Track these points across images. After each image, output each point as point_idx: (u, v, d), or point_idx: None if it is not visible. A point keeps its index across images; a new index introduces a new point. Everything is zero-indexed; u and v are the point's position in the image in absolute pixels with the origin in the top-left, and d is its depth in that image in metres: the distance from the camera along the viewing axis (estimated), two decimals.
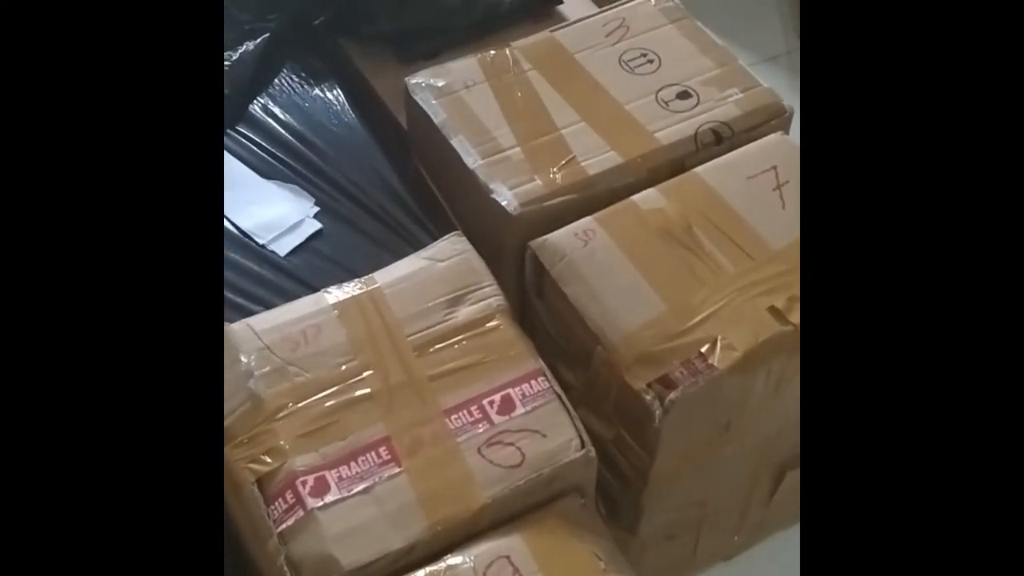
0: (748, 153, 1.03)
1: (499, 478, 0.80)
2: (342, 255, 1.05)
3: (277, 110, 1.20)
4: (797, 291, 0.90)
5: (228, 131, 1.17)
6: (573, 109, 1.08)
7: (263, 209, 1.09)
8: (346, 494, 0.79)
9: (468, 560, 0.77)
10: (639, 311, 0.91)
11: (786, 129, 1.09)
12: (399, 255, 0.99)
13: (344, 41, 1.29)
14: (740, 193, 0.99)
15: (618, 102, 1.08)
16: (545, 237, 0.97)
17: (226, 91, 1.19)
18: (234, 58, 1.21)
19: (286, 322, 0.90)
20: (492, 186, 1.01)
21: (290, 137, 1.17)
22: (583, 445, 0.83)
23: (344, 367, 0.87)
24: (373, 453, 0.81)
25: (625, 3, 1.19)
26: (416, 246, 1.03)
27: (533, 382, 0.86)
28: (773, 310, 0.90)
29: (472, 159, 1.03)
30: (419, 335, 0.89)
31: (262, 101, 1.21)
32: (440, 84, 1.10)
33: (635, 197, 1.00)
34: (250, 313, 0.96)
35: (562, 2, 1.33)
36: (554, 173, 1.02)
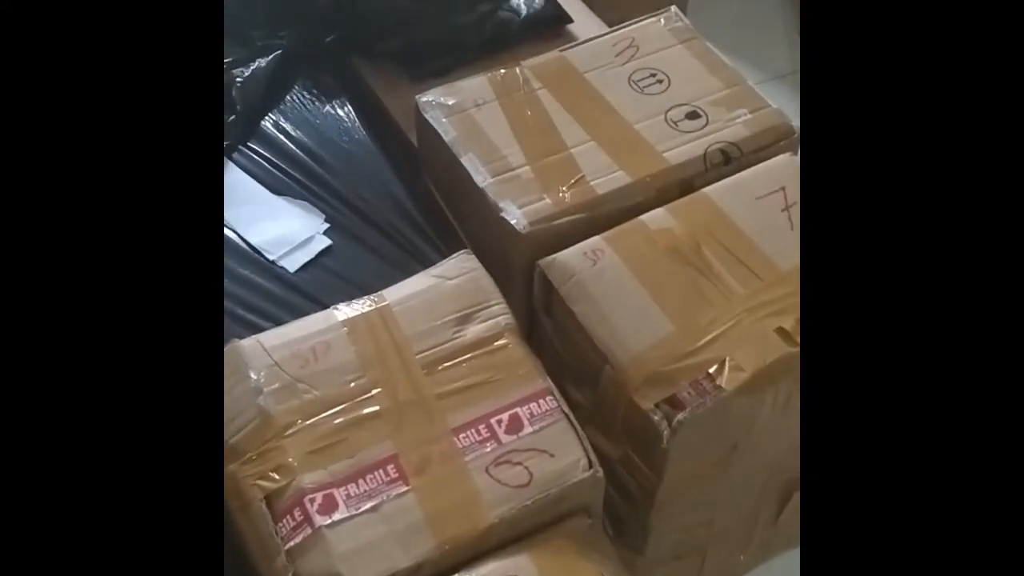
0: (757, 174, 1.03)
1: (507, 498, 0.80)
2: (351, 272, 1.06)
3: (288, 127, 1.21)
4: None
5: (240, 147, 1.18)
6: (582, 128, 1.08)
7: (273, 225, 1.10)
8: (354, 512, 0.79)
9: None
10: (647, 331, 0.91)
11: (794, 150, 1.09)
12: (408, 272, 1.00)
13: (356, 58, 1.30)
14: (749, 213, 0.99)
15: (627, 122, 1.09)
16: (554, 256, 0.97)
17: (238, 107, 1.20)
18: (246, 75, 1.22)
19: (296, 339, 0.90)
20: (501, 204, 1.01)
21: (301, 153, 1.18)
22: (591, 465, 0.83)
23: (353, 384, 0.87)
24: (381, 471, 0.81)
25: (635, 23, 1.19)
26: (425, 263, 1.03)
27: (541, 401, 0.86)
28: (781, 331, 0.90)
29: (482, 177, 1.04)
30: (428, 353, 0.89)
31: (274, 117, 1.22)
32: (451, 102, 1.10)
33: (644, 217, 1.00)
34: (260, 329, 0.97)
35: (572, 21, 1.34)
36: (563, 192, 1.02)
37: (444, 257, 1.00)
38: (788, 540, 1.15)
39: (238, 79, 1.21)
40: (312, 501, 0.79)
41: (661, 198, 1.02)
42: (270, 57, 1.24)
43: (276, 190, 1.15)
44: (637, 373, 0.89)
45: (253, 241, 1.08)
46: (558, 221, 1.00)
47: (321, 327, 0.91)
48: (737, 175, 1.04)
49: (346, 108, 1.24)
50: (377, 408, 0.85)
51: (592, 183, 1.03)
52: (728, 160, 1.06)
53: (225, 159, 1.17)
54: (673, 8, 1.21)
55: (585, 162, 1.05)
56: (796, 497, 1.07)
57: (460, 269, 0.96)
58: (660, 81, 1.13)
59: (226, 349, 0.89)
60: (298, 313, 0.98)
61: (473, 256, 0.98)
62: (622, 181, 1.03)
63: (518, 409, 0.85)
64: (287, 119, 1.22)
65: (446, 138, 1.08)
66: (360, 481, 0.81)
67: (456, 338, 0.90)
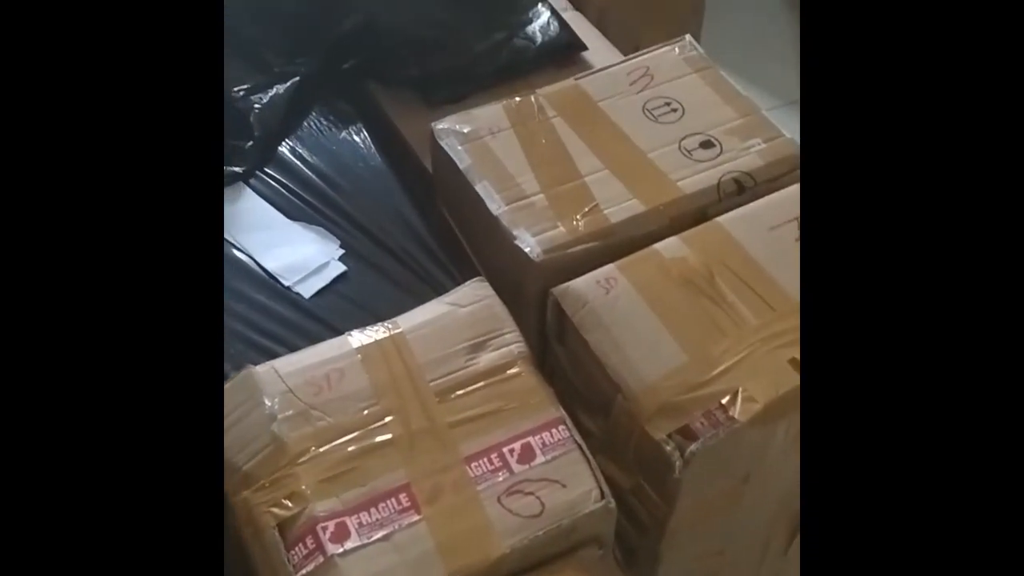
0: (770, 203, 1.04)
1: (518, 528, 0.80)
2: (366, 298, 1.07)
3: (305, 152, 1.22)
4: None
5: (257, 172, 1.20)
6: (596, 157, 1.09)
7: (289, 251, 1.11)
8: (366, 541, 0.79)
9: None
10: (660, 361, 0.91)
11: None
12: (422, 299, 1.00)
13: (372, 85, 1.31)
14: (762, 243, 0.99)
15: (641, 150, 1.09)
16: (567, 284, 0.98)
17: (256, 133, 1.21)
18: (264, 101, 1.24)
19: (310, 365, 0.91)
20: (515, 232, 1.02)
21: (317, 179, 1.19)
22: (603, 496, 0.83)
23: (366, 412, 0.87)
24: (393, 500, 0.81)
25: (649, 52, 1.20)
26: (439, 290, 1.04)
27: (554, 431, 0.87)
28: (794, 362, 0.90)
29: (496, 205, 1.04)
30: (441, 381, 0.90)
31: (291, 143, 1.23)
32: (466, 130, 1.11)
33: (657, 245, 1.00)
34: (275, 354, 0.98)
35: (587, 49, 1.35)
36: (577, 220, 1.03)
37: (458, 284, 1.01)
38: (798, 570, 1.14)
39: (256, 105, 1.23)
40: (324, 529, 0.79)
41: (675, 227, 1.03)
42: (288, 84, 1.26)
43: (292, 216, 1.16)
44: (650, 403, 0.89)
45: (269, 267, 1.09)
46: (572, 249, 1.01)
47: (335, 354, 0.92)
48: (751, 205, 1.04)
49: (362, 134, 1.25)
50: (390, 436, 0.86)
51: (606, 211, 1.03)
52: (742, 189, 1.06)
53: (242, 184, 1.18)
54: (687, 37, 1.21)
55: (599, 190, 1.05)
56: None
57: (473, 297, 0.97)
58: (674, 110, 1.13)
59: (241, 375, 0.90)
60: (313, 339, 0.99)
61: (486, 284, 0.99)
62: (636, 210, 1.04)
63: (530, 438, 0.86)
64: (304, 145, 1.23)
65: (461, 165, 1.08)
66: (372, 510, 0.81)
67: (469, 366, 0.91)
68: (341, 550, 0.78)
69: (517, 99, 1.15)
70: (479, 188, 1.06)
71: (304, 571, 0.78)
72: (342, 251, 1.11)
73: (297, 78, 1.26)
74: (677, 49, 1.20)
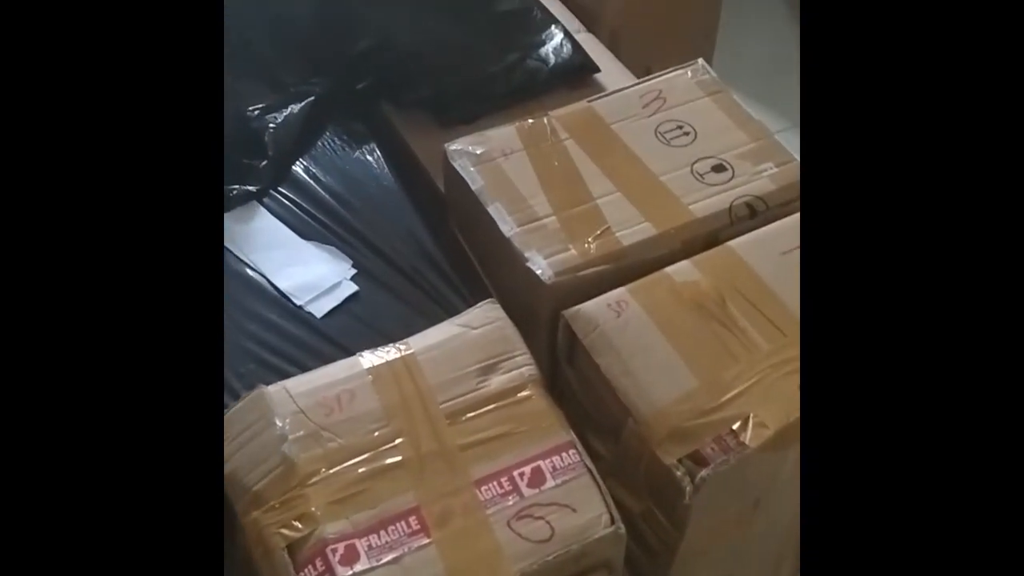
0: (782, 228, 1.04)
1: (528, 552, 0.80)
2: (377, 318, 1.07)
3: (318, 172, 1.23)
4: None
5: (270, 191, 1.20)
6: (609, 179, 1.09)
7: (301, 270, 1.11)
8: (375, 563, 0.79)
9: None
10: (671, 385, 0.91)
11: None
12: (433, 319, 1.01)
13: (386, 105, 1.31)
14: (774, 268, 0.99)
15: (653, 173, 1.09)
16: (578, 307, 0.98)
17: (270, 152, 1.22)
18: (279, 120, 1.24)
19: (321, 386, 0.91)
20: (527, 254, 1.02)
21: (330, 199, 1.19)
22: (613, 521, 0.83)
23: (377, 433, 0.87)
24: (403, 523, 0.82)
25: (662, 75, 1.21)
26: (450, 311, 1.04)
27: (564, 455, 0.87)
28: None
29: (508, 227, 1.05)
30: (451, 403, 0.90)
31: (304, 163, 1.24)
32: (478, 151, 1.12)
33: (669, 269, 1.00)
34: (286, 374, 0.98)
35: (599, 70, 1.35)
36: (589, 243, 1.03)
37: (469, 305, 1.01)
38: None
39: (271, 125, 1.23)
40: (334, 551, 0.80)
41: (686, 251, 1.03)
42: (303, 103, 1.26)
43: (305, 235, 1.16)
44: (660, 428, 0.89)
45: (281, 286, 1.09)
46: (583, 272, 1.01)
47: (346, 374, 0.92)
48: (762, 229, 1.04)
49: (375, 154, 1.26)
50: (400, 458, 0.86)
51: (617, 234, 1.04)
52: (754, 214, 1.06)
53: (255, 203, 1.19)
54: (700, 61, 1.22)
55: (611, 213, 1.06)
56: None
57: (485, 318, 0.97)
58: (687, 133, 1.14)
59: (252, 395, 0.90)
60: (324, 359, 0.99)
61: (498, 305, 0.99)
62: (647, 233, 1.04)
63: (541, 462, 0.86)
64: (317, 164, 1.24)
65: (473, 187, 1.09)
66: (382, 532, 0.81)
67: (480, 388, 0.91)
68: (350, 573, 0.78)
69: (530, 121, 1.15)
70: (491, 209, 1.06)
71: None
72: (354, 271, 1.12)
73: (312, 97, 1.27)
74: (690, 72, 1.20)
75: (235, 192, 1.18)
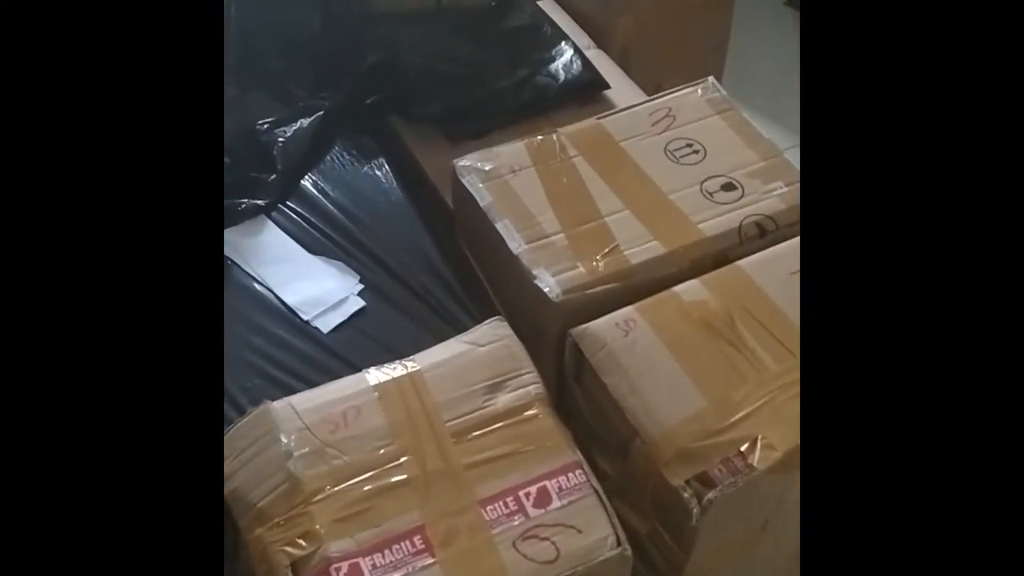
0: (792, 248, 1.03)
1: (533, 573, 0.80)
2: (384, 334, 1.06)
3: (327, 186, 1.23)
4: None
5: (279, 205, 1.20)
6: (617, 197, 1.09)
7: (309, 285, 1.11)
8: None
9: None
10: (679, 405, 0.90)
11: None
12: (440, 336, 1.00)
13: (394, 119, 1.31)
14: (783, 288, 0.99)
15: (662, 191, 1.09)
16: (586, 325, 0.97)
17: (279, 166, 1.22)
18: (288, 134, 1.24)
19: (327, 402, 0.91)
20: (535, 272, 1.02)
21: (338, 213, 1.19)
22: (619, 543, 0.82)
23: (382, 451, 0.87)
24: (407, 542, 0.81)
25: (672, 93, 1.20)
26: (457, 327, 1.04)
27: (570, 475, 0.86)
28: None
29: (516, 244, 1.04)
30: (457, 421, 0.89)
31: (313, 177, 1.24)
32: (487, 168, 1.12)
33: (677, 288, 1.00)
34: (292, 389, 0.98)
35: (609, 87, 1.35)
36: (597, 261, 1.02)
37: (476, 321, 1.01)
38: None
39: (280, 139, 1.23)
40: (338, 570, 0.79)
41: (695, 270, 1.02)
42: (312, 117, 1.26)
43: (313, 249, 1.16)
44: (668, 448, 0.88)
45: (288, 301, 1.09)
46: (591, 290, 1.00)
47: (352, 391, 0.92)
48: (772, 249, 1.04)
49: (384, 169, 1.26)
50: (405, 476, 0.85)
51: (626, 253, 1.03)
52: (763, 233, 1.06)
53: (264, 217, 1.19)
54: (711, 79, 1.22)
55: (619, 231, 1.05)
56: None
57: (492, 336, 0.97)
58: (696, 151, 1.13)
59: (258, 410, 0.90)
60: (330, 374, 0.99)
61: (505, 323, 0.99)
62: (656, 251, 1.03)
63: (547, 482, 0.85)
64: (326, 179, 1.24)
65: (482, 203, 1.09)
66: (386, 551, 0.80)
67: (486, 406, 0.91)
68: None
69: (539, 137, 1.15)
70: (499, 226, 1.06)
71: None
72: (361, 286, 1.11)
73: (321, 112, 1.27)
74: (700, 90, 1.20)
75: (244, 206, 1.18)
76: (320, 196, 1.21)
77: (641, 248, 1.04)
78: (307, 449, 0.86)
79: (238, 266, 1.13)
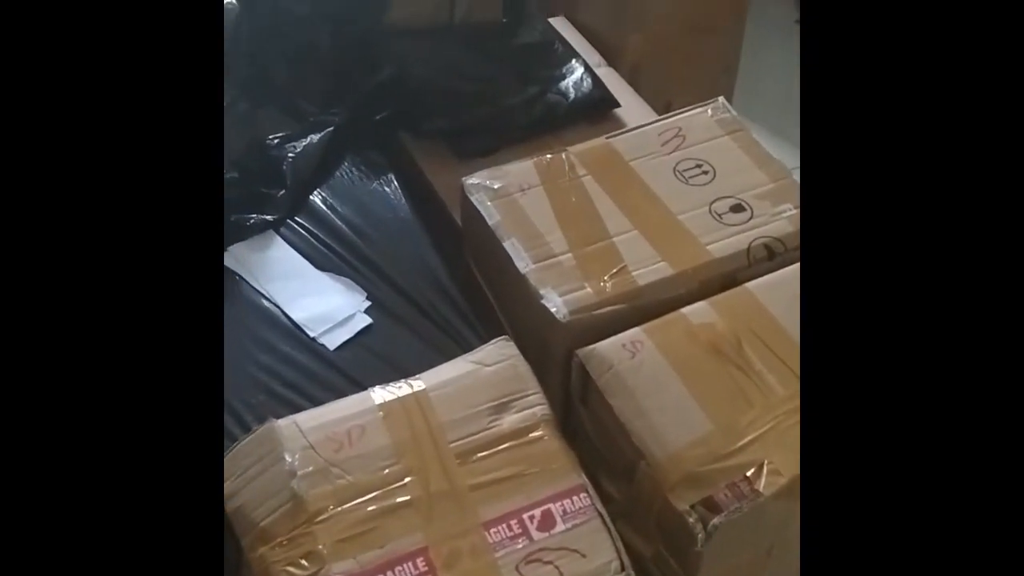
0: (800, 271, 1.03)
1: None
2: (390, 352, 1.06)
3: (336, 202, 1.23)
4: None
5: (288, 221, 1.20)
6: (626, 217, 1.08)
7: (316, 301, 1.11)
8: None
9: None
10: (686, 429, 0.90)
11: None
12: (446, 354, 1.00)
13: (404, 136, 1.32)
14: (790, 311, 0.98)
15: (671, 212, 1.09)
16: (593, 346, 0.97)
17: (288, 182, 1.22)
18: (298, 150, 1.25)
19: (331, 421, 0.90)
20: (542, 291, 1.02)
21: (346, 229, 1.19)
22: (623, 568, 0.82)
23: (386, 471, 0.87)
24: (410, 564, 0.81)
25: (682, 113, 1.20)
26: (464, 346, 1.04)
27: (575, 498, 0.85)
28: None
29: (524, 263, 1.04)
30: (462, 442, 0.89)
31: (322, 193, 1.24)
32: (496, 186, 1.12)
33: (685, 310, 0.99)
34: (297, 406, 0.98)
35: (619, 105, 1.35)
36: (604, 281, 1.02)
37: (483, 340, 1.01)
38: None
39: (290, 154, 1.24)
40: None
41: (703, 291, 1.02)
42: (322, 133, 1.27)
43: (320, 265, 1.16)
44: (673, 472, 0.87)
45: (295, 317, 1.09)
46: (598, 311, 1.00)
47: (357, 410, 0.91)
48: (780, 271, 1.03)
49: (393, 185, 1.26)
50: (409, 497, 0.85)
51: (634, 273, 1.03)
52: (772, 255, 1.05)
53: (272, 232, 1.19)
54: (720, 99, 1.21)
55: (627, 251, 1.05)
56: None
57: (498, 356, 0.96)
58: (705, 172, 1.13)
59: (263, 429, 0.90)
60: (336, 392, 0.98)
61: (511, 343, 0.98)
62: (664, 273, 1.03)
63: (551, 505, 0.85)
64: (335, 194, 1.24)
65: (490, 222, 1.08)
66: (389, 573, 0.80)
67: (491, 427, 0.90)
68: None
69: (548, 156, 1.15)
70: (507, 245, 1.06)
71: None
72: (368, 303, 1.11)
73: (331, 128, 1.27)
74: (710, 111, 1.20)
75: (252, 221, 1.18)
76: (329, 212, 1.21)
77: (649, 269, 1.03)
78: (311, 468, 0.86)
79: (245, 281, 1.13)
